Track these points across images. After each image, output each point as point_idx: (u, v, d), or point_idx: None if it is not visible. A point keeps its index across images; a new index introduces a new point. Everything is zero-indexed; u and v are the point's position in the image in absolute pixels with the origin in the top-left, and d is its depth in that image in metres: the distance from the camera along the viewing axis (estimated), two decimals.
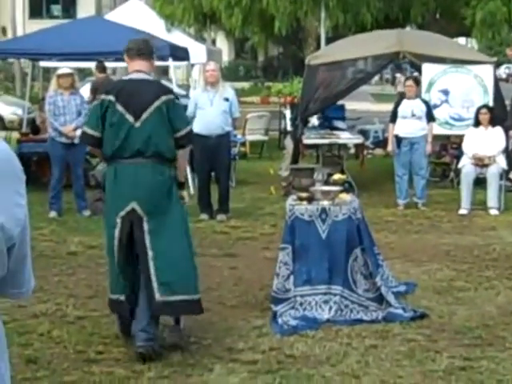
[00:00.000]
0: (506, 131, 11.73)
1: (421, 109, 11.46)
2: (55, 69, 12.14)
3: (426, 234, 9.74)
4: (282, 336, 5.88)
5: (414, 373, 5.22)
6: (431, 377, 5.16)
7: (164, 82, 9.73)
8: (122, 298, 5.59)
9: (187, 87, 19.73)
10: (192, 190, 11.01)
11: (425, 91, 12.54)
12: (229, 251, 8.67)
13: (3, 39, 32.22)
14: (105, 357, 5.49)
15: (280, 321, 6.12)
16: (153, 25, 18.04)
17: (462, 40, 28.55)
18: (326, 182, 7.12)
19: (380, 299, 6.33)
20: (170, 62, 14.17)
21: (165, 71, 24.05)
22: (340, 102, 14.27)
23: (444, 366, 5.30)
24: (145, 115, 5.55)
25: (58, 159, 10.67)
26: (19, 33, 34.31)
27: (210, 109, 10.34)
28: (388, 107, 13.27)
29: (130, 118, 5.55)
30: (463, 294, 7.01)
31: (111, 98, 5.59)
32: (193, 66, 20.42)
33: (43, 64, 17.06)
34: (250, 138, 16.93)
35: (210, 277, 7.35)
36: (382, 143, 16.16)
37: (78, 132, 10.64)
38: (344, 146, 13.42)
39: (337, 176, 7.42)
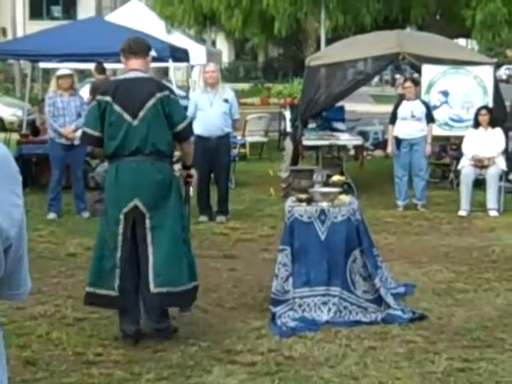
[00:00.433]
0: (506, 132, 11.74)
1: (420, 110, 11.45)
2: (55, 70, 12.14)
3: (425, 235, 9.74)
4: (281, 337, 5.88)
5: (413, 374, 5.22)
6: (430, 378, 5.16)
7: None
8: (114, 294, 5.68)
9: (187, 88, 19.77)
10: (191, 191, 10.99)
11: (424, 92, 12.54)
12: (228, 253, 8.67)
13: (3, 40, 32.25)
14: (104, 359, 5.49)
15: (279, 322, 6.12)
16: (153, 26, 18.07)
17: (462, 41, 28.52)
18: (326, 184, 7.12)
19: (379, 301, 6.32)
20: (170, 63, 14.20)
21: (165, 72, 24.06)
22: (340, 104, 14.26)
23: (443, 368, 5.30)
24: (142, 113, 5.65)
25: (57, 161, 10.67)
26: (19, 34, 34.34)
27: (209, 110, 10.34)
28: (388, 108, 13.27)
29: (128, 117, 5.65)
30: (462, 296, 7.00)
31: (108, 98, 5.68)
32: (193, 67, 20.46)
33: (43, 65, 17.08)
34: (249, 139, 16.93)
35: (209, 278, 7.35)
36: (381, 144, 16.17)
37: (78, 133, 10.63)
38: (344, 148, 13.40)
39: (336, 177, 7.41)
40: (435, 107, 12.35)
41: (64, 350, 5.65)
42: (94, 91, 14.80)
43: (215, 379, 5.16)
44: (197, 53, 18.49)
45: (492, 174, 10.99)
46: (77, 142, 10.59)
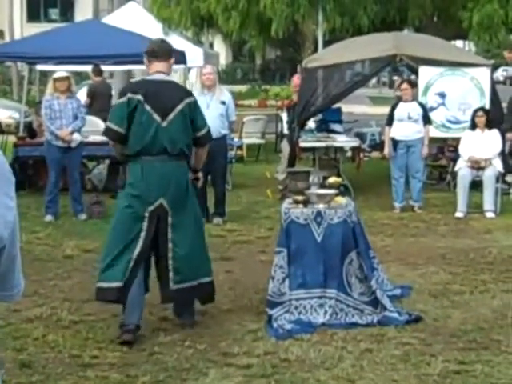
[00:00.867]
0: (503, 134, 11.75)
1: (417, 112, 11.46)
2: (52, 72, 12.11)
3: (421, 237, 9.74)
4: (277, 340, 5.88)
5: (409, 376, 5.22)
6: (426, 381, 5.16)
7: None
8: (117, 284, 5.78)
9: None
10: None
11: (421, 94, 12.54)
12: (224, 255, 8.66)
13: (0, 42, 32.22)
14: (100, 361, 5.48)
15: (275, 325, 6.11)
16: (150, 28, 18.03)
17: (459, 43, 28.54)
18: (322, 185, 7.11)
19: (375, 303, 6.32)
20: None
21: None
22: (337, 105, 14.26)
23: (439, 370, 5.30)
24: (171, 116, 5.94)
25: (54, 163, 10.65)
26: (17, 36, 34.38)
27: (206, 112, 10.17)
28: (385, 110, 13.27)
29: (158, 118, 5.91)
30: (459, 298, 7.00)
31: (140, 97, 5.89)
32: (190, 69, 20.43)
33: (40, 67, 17.04)
34: (246, 141, 16.94)
35: None
36: (378, 146, 16.17)
37: (75, 136, 10.68)
38: (341, 149, 13.41)
39: (332, 179, 7.40)
40: (432, 109, 12.36)
41: (60, 352, 5.65)
42: (91, 93, 14.85)
43: (211, 382, 5.15)
44: (194, 55, 18.45)
45: (489, 176, 11.00)
46: (73, 145, 10.61)
